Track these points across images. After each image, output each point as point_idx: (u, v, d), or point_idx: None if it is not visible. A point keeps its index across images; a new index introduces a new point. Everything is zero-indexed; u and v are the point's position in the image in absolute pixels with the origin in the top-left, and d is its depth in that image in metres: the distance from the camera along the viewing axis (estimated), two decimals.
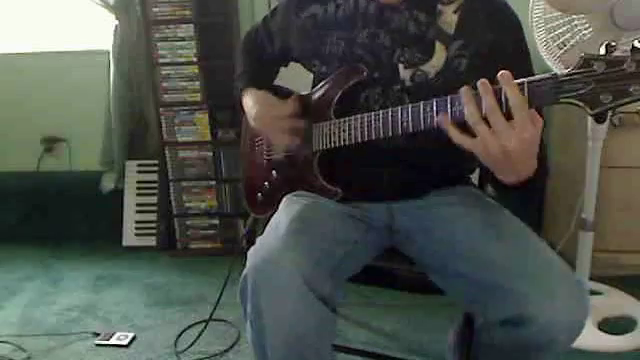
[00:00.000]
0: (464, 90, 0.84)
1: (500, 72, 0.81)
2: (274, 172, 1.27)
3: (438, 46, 1.05)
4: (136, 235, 2.52)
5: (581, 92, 0.78)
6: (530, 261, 0.90)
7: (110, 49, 2.40)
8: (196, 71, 2.27)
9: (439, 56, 1.05)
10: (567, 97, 0.79)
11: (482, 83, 0.82)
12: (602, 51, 0.77)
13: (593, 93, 0.77)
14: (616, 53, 0.76)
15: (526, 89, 0.81)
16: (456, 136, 0.85)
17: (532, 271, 0.88)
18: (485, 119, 0.82)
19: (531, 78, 0.81)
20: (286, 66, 1.37)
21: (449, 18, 1.05)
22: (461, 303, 1.03)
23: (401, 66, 1.07)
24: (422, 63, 1.06)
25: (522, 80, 0.81)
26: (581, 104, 0.78)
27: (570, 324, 0.86)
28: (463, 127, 0.85)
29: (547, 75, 0.80)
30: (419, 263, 1.11)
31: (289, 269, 0.89)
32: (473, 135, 0.84)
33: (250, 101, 1.22)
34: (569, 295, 0.86)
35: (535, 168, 0.87)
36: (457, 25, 1.05)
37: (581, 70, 0.78)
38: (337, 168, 1.15)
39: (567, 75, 0.78)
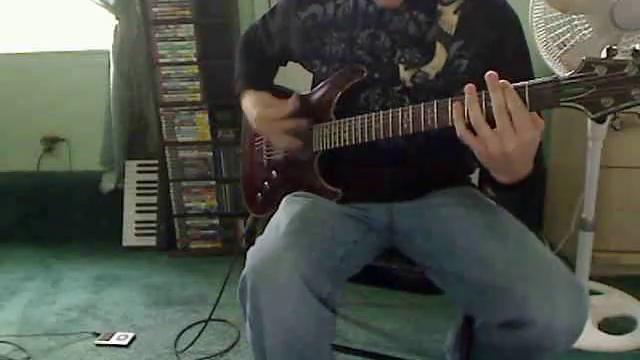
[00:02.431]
0: (469, 88, 0.83)
1: (500, 81, 0.81)
2: (274, 172, 1.27)
3: (439, 47, 1.05)
4: (136, 235, 2.52)
5: (582, 96, 0.77)
6: (530, 263, 0.90)
7: (110, 49, 2.40)
8: (196, 71, 2.27)
9: (440, 57, 1.05)
10: (568, 101, 0.79)
11: (490, 76, 0.81)
12: (603, 55, 0.76)
13: (594, 97, 0.77)
14: (617, 56, 0.76)
15: (527, 93, 0.80)
16: (462, 130, 0.84)
17: (532, 274, 0.88)
18: (488, 119, 0.81)
19: (532, 82, 0.81)
20: (284, 65, 1.37)
21: (449, 18, 1.05)
22: (460, 304, 1.03)
23: (401, 67, 1.07)
24: (423, 64, 1.06)
25: (523, 84, 0.81)
26: (582, 108, 0.78)
27: (570, 327, 0.86)
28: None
29: (548, 79, 0.80)
30: (419, 263, 1.11)
31: (288, 269, 0.89)
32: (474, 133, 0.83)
33: (250, 102, 1.23)
34: (569, 298, 0.86)
35: (531, 169, 0.87)
36: (457, 26, 1.04)
37: (582, 74, 0.77)
38: (337, 169, 1.15)
39: (568, 79, 0.78)
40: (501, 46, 1.04)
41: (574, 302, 0.87)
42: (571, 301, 0.86)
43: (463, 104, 0.84)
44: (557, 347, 0.86)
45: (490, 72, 0.81)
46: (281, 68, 1.39)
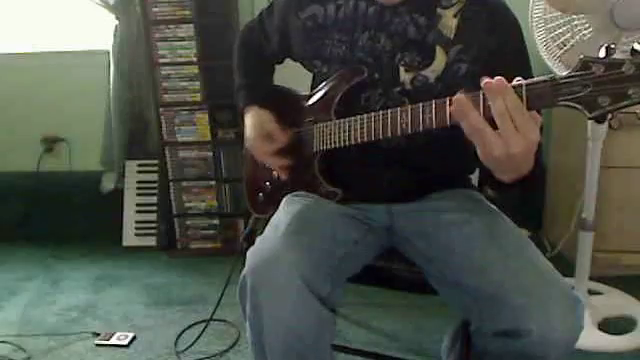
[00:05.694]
0: (461, 99, 0.80)
1: (496, 79, 0.80)
2: (275, 172, 1.27)
3: (438, 50, 1.04)
4: (136, 235, 2.52)
5: (579, 95, 0.76)
6: (528, 275, 0.89)
7: (110, 49, 2.41)
8: (196, 71, 2.28)
9: (439, 61, 1.04)
10: (565, 100, 0.77)
11: (486, 84, 0.78)
12: (602, 53, 0.76)
13: (591, 96, 0.76)
14: (616, 55, 0.75)
15: (524, 91, 0.80)
16: (468, 127, 0.80)
17: (530, 285, 0.88)
18: (490, 120, 0.80)
19: (529, 80, 0.80)
20: (281, 63, 1.37)
21: (449, 22, 1.05)
22: (456, 309, 1.02)
23: (402, 69, 1.07)
24: (423, 67, 1.05)
25: (520, 83, 0.80)
26: (579, 107, 0.77)
27: (564, 340, 0.86)
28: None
29: (545, 78, 0.79)
30: (418, 265, 1.11)
31: (288, 269, 0.89)
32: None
33: (249, 121, 1.25)
34: (565, 312, 0.86)
35: (532, 166, 0.87)
36: (457, 29, 1.04)
37: (579, 73, 0.76)
38: (337, 169, 1.15)
39: (565, 78, 0.77)
40: (501, 50, 1.03)
41: (570, 315, 0.87)
42: (567, 314, 0.86)
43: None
44: (551, 357, 0.86)
45: (486, 80, 0.78)
46: (281, 68, 1.39)
